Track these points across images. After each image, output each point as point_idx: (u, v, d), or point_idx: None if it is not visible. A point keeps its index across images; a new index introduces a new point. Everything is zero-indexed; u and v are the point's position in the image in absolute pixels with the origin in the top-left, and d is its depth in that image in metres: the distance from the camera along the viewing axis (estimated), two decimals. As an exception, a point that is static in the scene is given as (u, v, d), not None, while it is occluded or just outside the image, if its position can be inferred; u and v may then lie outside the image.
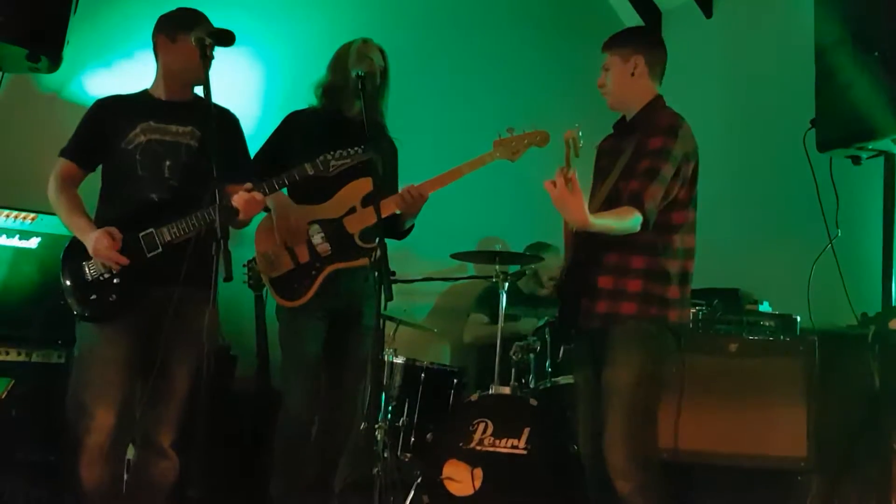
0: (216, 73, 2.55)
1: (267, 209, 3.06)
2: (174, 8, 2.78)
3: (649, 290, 2.64)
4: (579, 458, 2.85)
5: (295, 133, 3.14)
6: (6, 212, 3.25)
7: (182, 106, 2.78)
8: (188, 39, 2.64)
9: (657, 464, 2.64)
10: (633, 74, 2.76)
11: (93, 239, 2.59)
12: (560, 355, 3.76)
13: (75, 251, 2.66)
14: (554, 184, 2.39)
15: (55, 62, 2.67)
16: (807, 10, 3.47)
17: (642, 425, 2.60)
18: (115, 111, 2.76)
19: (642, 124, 2.74)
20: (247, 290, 3.86)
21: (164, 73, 2.78)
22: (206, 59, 2.47)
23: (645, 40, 2.85)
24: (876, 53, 3.06)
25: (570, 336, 2.88)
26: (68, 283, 2.65)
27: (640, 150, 2.67)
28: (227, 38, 2.55)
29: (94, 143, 2.74)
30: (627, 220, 2.54)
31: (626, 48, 2.77)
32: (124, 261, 2.59)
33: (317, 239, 3.05)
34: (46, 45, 2.60)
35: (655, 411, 2.68)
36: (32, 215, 3.29)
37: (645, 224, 2.56)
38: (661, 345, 2.66)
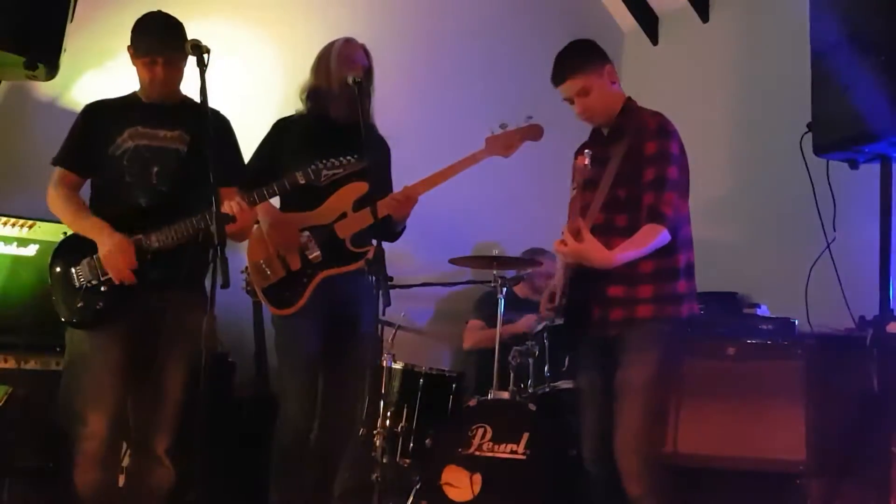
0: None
1: (256, 220, 3.05)
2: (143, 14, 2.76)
3: (661, 290, 2.65)
4: (579, 462, 2.85)
5: (284, 140, 3.11)
6: (4, 219, 3.26)
7: (170, 109, 2.77)
8: (141, 61, 2.67)
9: (664, 466, 2.64)
10: (613, 83, 2.76)
11: (113, 244, 2.56)
12: (566, 363, 3.75)
13: (63, 257, 2.65)
14: (564, 242, 2.45)
15: (52, 69, 2.67)
16: (803, 13, 3.48)
17: (654, 427, 2.63)
18: (103, 116, 2.76)
19: (628, 128, 2.72)
20: (244, 297, 3.86)
21: (148, 94, 2.79)
22: (202, 66, 2.46)
23: (600, 49, 2.82)
24: (873, 56, 3.06)
25: (575, 342, 2.85)
26: (56, 288, 2.65)
27: (634, 156, 2.65)
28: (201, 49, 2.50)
29: (86, 150, 2.74)
30: (654, 239, 2.56)
31: (595, 63, 2.75)
32: (130, 278, 2.58)
33: (308, 246, 3.01)
34: (43, 53, 2.60)
35: (666, 412, 2.69)
36: (30, 222, 3.30)
37: (672, 234, 2.57)
38: (673, 345, 2.68)
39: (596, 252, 2.45)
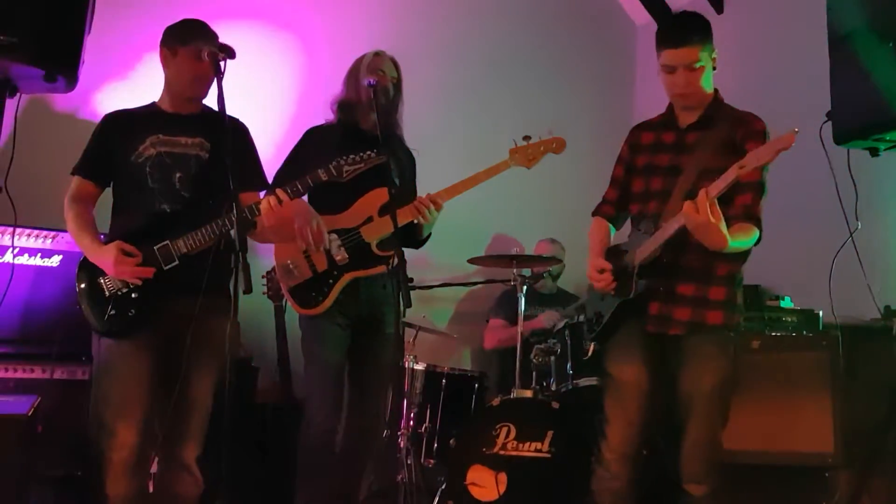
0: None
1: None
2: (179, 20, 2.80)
3: (731, 297, 2.62)
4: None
5: (314, 148, 3.15)
6: (28, 231, 3.29)
7: (190, 118, 2.80)
8: (188, 52, 2.68)
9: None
10: (714, 69, 2.63)
11: (110, 259, 2.59)
12: (590, 353, 3.70)
13: (90, 266, 2.67)
14: (696, 208, 2.33)
15: (72, 81, 2.68)
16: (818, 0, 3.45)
17: (721, 431, 2.61)
18: (124, 125, 2.78)
19: (720, 120, 2.62)
20: (267, 302, 3.88)
21: (169, 85, 2.81)
22: (219, 73, 2.48)
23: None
24: (892, 41, 3.02)
25: (612, 332, 2.74)
26: (85, 299, 2.66)
27: (728, 151, 2.55)
28: (228, 53, 2.55)
29: (106, 159, 2.76)
30: (751, 238, 2.53)
31: (711, 40, 2.59)
32: (149, 273, 2.60)
33: (334, 248, 3.06)
34: (62, 65, 2.61)
35: (728, 417, 2.66)
36: (53, 234, 3.33)
37: (759, 240, 2.55)
38: (737, 350, 2.66)
39: (718, 233, 2.36)
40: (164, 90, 2.84)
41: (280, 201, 2.66)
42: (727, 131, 2.60)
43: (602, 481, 2.69)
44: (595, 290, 2.78)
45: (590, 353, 3.64)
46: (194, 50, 2.68)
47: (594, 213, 2.96)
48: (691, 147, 2.65)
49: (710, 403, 2.57)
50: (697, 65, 2.56)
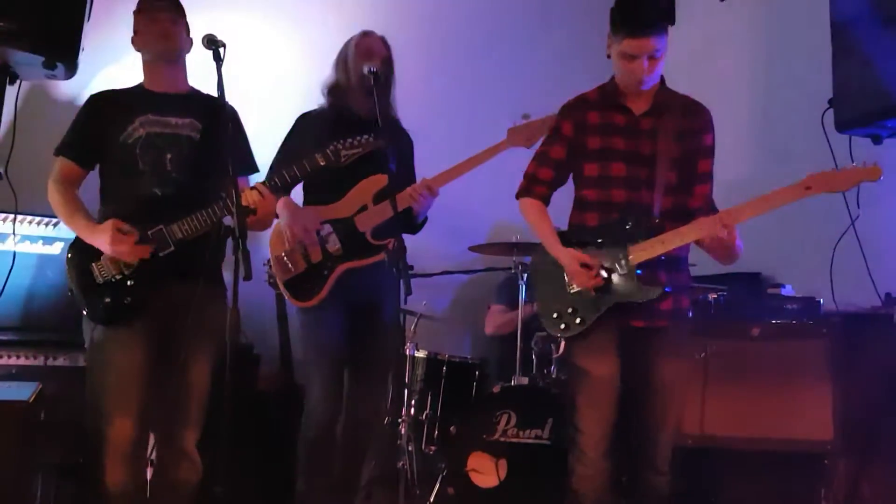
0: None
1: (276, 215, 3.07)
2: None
3: (689, 277, 2.65)
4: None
5: (307, 134, 3.11)
6: (29, 218, 3.30)
7: (179, 97, 2.76)
8: (142, 16, 2.71)
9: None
10: None
11: (106, 238, 2.52)
12: (561, 349, 3.70)
13: (81, 253, 2.61)
14: (725, 231, 2.37)
15: (71, 69, 2.69)
16: (821, -12, 3.43)
17: None
18: (111, 105, 2.73)
19: (673, 107, 2.58)
20: (268, 289, 3.87)
21: (145, 60, 2.78)
22: (218, 60, 2.46)
23: None
24: (895, 28, 3.01)
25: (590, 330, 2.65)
26: (78, 287, 2.61)
27: (687, 141, 2.54)
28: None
29: (93, 140, 2.69)
30: None
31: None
32: (146, 252, 2.54)
33: (328, 239, 3.03)
34: (62, 52, 2.62)
35: None
36: (55, 221, 3.33)
37: None
38: None
39: (739, 252, 2.47)
40: (145, 71, 2.79)
41: (262, 195, 2.61)
42: (681, 119, 2.56)
43: (586, 480, 2.60)
44: (575, 287, 2.62)
45: (561, 350, 3.66)
46: (146, 10, 2.70)
47: (524, 195, 2.78)
48: (648, 133, 2.58)
49: (680, 389, 2.60)
50: (660, 53, 2.48)
